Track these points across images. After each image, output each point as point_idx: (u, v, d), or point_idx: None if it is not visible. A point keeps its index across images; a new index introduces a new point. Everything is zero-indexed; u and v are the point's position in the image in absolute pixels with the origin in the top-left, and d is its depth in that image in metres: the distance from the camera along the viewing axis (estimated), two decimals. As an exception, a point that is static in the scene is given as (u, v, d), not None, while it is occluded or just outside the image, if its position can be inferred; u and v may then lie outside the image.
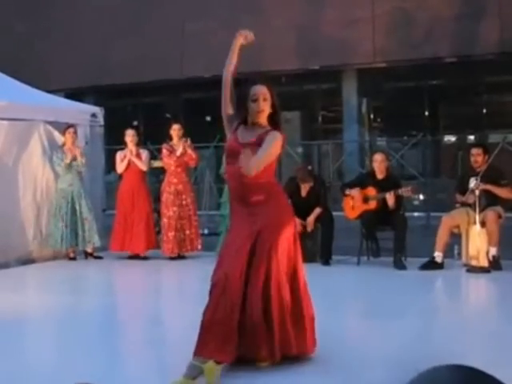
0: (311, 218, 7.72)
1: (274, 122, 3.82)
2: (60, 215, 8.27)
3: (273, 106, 3.80)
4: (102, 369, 3.90)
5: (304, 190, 7.85)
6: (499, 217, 7.07)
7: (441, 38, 14.08)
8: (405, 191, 7.31)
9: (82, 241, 8.35)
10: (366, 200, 7.54)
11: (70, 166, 8.25)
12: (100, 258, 8.53)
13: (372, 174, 7.76)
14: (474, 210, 7.04)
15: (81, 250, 8.54)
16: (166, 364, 3.96)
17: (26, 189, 8.31)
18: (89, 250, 8.50)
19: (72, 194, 8.30)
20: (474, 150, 7.36)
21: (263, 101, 3.74)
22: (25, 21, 17.77)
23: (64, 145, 8.36)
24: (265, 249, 3.70)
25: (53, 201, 8.39)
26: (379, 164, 7.59)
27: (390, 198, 7.29)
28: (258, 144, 3.68)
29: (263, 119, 3.80)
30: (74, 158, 8.27)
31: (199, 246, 8.40)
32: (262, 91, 3.75)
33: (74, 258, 8.42)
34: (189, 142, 8.33)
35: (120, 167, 8.52)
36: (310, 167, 8.24)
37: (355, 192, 7.56)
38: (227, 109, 3.91)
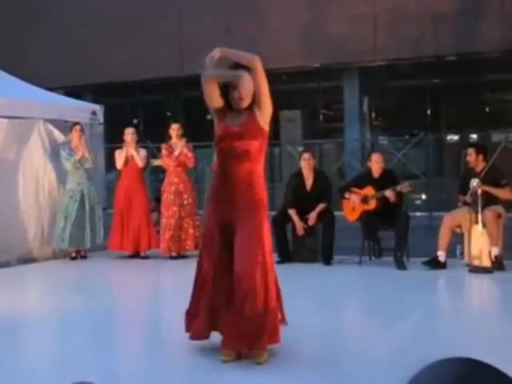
0: (313, 214, 7.69)
1: (254, 102, 3.83)
2: (64, 215, 8.23)
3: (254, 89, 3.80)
4: (102, 368, 3.88)
5: (308, 183, 7.84)
6: (499, 216, 7.01)
7: (443, 36, 14.03)
8: (403, 187, 7.30)
9: (91, 239, 8.33)
10: (365, 200, 7.51)
11: (79, 164, 8.24)
12: (84, 257, 8.47)
13: (369, 173, 7.75)
14: (474, 211, 6.99)
15: (90, 248, 8.50)
16: (167, 363, 3.92)
17: (27, 188, 8.27)
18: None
19: (81, 192, 8.27)
20: (467, 150, 7.38)
21: (243, 88, 3.77)
22: (22, 18, 17.73)
23: (71, 141, 8.35)
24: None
25: (60, 200, 8.36)
26: (375, 164, 7.62)
27: (390, 195, 7.28)
28: (241, 133, 3.75)
29: (246, 105, 3.81)
30: (83, 156, 8.26)
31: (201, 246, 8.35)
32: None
33: (74, 258, 8.38)
34: (183, 142, 8.27)
35: (119, 162, 8.47)
36: None
37: (354, 197, 7.55)
38: (217, 101, 3.89)
